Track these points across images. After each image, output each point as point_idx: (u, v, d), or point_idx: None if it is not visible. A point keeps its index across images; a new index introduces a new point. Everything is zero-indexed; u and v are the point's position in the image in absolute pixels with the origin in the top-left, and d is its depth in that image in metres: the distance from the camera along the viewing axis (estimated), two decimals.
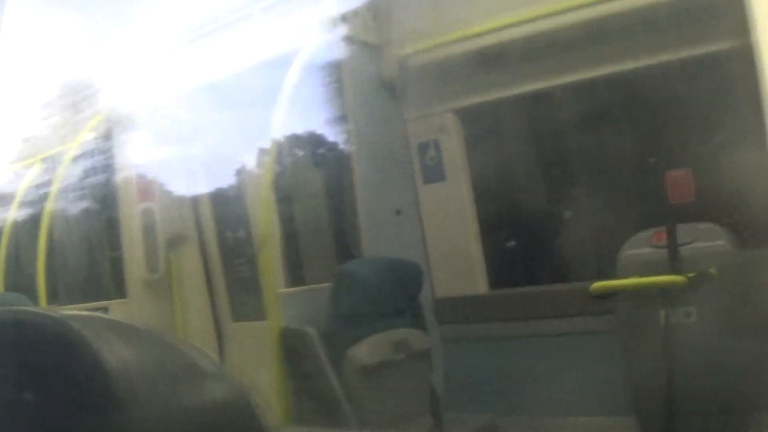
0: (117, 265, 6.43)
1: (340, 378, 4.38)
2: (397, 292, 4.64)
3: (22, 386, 1.07)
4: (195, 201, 6.12)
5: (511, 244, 5.10)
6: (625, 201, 4.77)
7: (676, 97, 4.42)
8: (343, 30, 4.93)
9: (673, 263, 3.94)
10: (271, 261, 4.82)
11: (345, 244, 5.30)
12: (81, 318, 1.10)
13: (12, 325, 1.11)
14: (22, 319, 1.11)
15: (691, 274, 3.84)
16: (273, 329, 4.66)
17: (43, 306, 5.81)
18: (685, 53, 4.27)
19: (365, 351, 4.38)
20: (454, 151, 5.06)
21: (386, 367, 4.45)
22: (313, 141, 5.49)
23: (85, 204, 6.50)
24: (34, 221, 6.39)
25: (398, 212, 5.10)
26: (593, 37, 4.48)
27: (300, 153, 5.48)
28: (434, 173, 5.12)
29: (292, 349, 4.58)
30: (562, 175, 5.14)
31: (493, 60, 4.84)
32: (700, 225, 4.06)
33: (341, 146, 4.99)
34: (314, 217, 5.63)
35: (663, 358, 3.87)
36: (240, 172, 5.82)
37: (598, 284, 4.06)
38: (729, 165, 4.06)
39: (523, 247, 5.07)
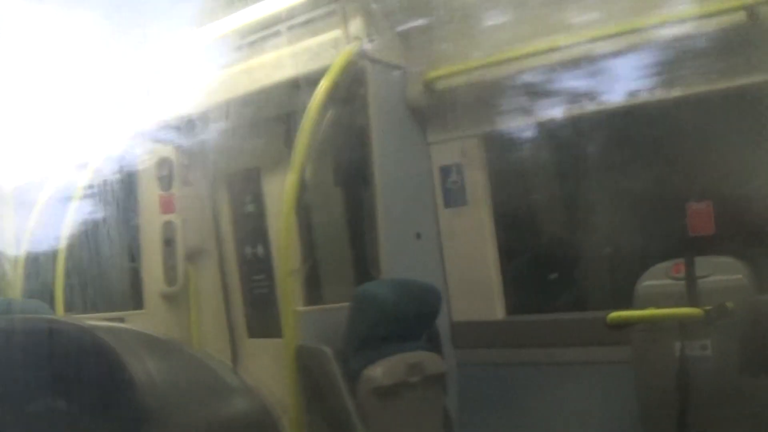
0: (136, 276, 6.46)
1: (354, 398, 4.37)
2: (415, 315, 4.63)
3: (52, 394, 1.09)
4: (216, 215, 6.15)
5: (530, 271, 5.10)
6: (646, 231, 4.76)
7: (700, 128, 4.42)
8: (369, 51, 4.95)
9: (691, 296, 3.93)
10: (290, 278, 4.82)
11: (364, 265, 5.31)
12: (111, 330, 1.11)
13: (46, 333, 1.13)
14: (55, 329, 1.13)
15: (708, 308, 3.82)
16: (289, 347, 4.65)
17: (59, 314, 5.83)
18: (709, 86, 4.27)
19: (380, 372, 4.37)
20: (476, 176, 5.07)
21: (400, 390, 4.44)
22: (336, 161, 5.50)
23: (106, 214, 6.54)
24: (55, 229, 6.42)
25: (418, 235, 5.10)
26: (615, 67, 4.50)
27: (322, 172, 5.50)
28: (456, 198, 5.13)
29: (307, 368, 4.58)
30: (583, 203, 5.14)
31: (517, 87, 4.85)
32: (719, 258, 4.05)
33: (364, 167, 4.99)
34: (334, 237, 5.64)
35: (677, 390, 3.85)
36: (261, 189, 5.85)
37: (615, 314, 4.04)
38: (750, 199, 4.06)
39: (542, 275, 5.07)
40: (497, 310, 5.06)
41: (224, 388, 0.99)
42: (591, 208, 5.12)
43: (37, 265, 6.89)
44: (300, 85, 5.04)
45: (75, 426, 0.95)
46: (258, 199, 5.95)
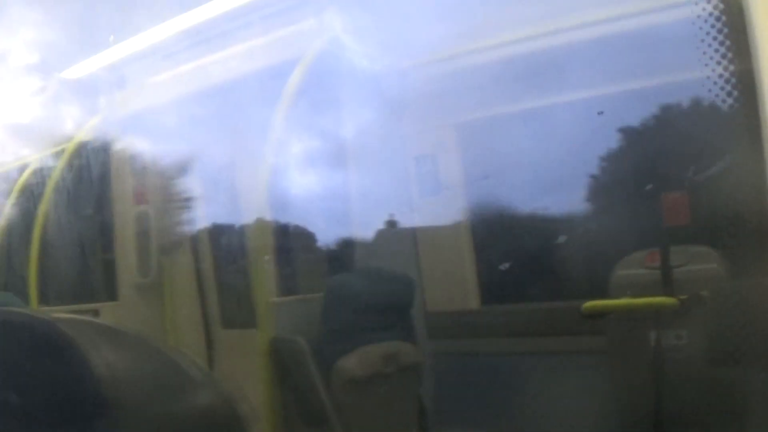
0: (109, 267, 6.42)
1: (329, 389, 4.37)
2: (389, 305, 4.63)
3: (8, 387, 1.06)
4: (190, 206, 6.12)
5: (505, 260, 5.09)
6: (621, 220, 4.76)
7: (676, 118, 4.42)
8: (343, 40, 4.93)
9: (666, 285, 3.93)
10: (264, 269, 4.82)
11: (337, 255, 5.30)
12: (71, 321, 1.09)
13: (13, 327, 1.11)
14: (11, 320, 1.11)
15: (683, 297, 3.82)
16: (263, 338, 4.65)
17: (33, 307, 5.80)
18: (682, 75, 4.27)
19: (354, 363, 4.37)
20: (450, 165, 5.05)
21: (375, 380, 4.44)
22: (309, 150, 5.48)
23: (79, 205, 6.49)
24: (27, 221, 6.38)
25: (392, 224, 5.09)
26: (591, 55, 4.48)
27: (296, 161, 5.48)
28: (430, 187, 5.11)
29: (281, 359, 4.57)
30: (558, 192, 5.14)
31: (492, 76, 4.84)
32: (694, 248, 4.05)
33: (337, 156, 4.98)
34: (307, 226, 5.62)
35: (652, 380, 3.86)
36: (235, 178, 5.82)
37: (590, 303, 4.04)
38: (725, 189, 4.07)
39: (517, 264, 5.06)
40: (472, 300, 5.05)
41: (188, 382, 0.98)
42: (566, 197, 5.12)
43: (10, 256, 6.85)
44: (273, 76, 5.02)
45: (31, 421, 0.94)
46: (231, 187, 5.93)
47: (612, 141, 4.76)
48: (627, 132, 4.71)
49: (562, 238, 5.12)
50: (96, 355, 1.01)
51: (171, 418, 1.07)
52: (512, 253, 5.11)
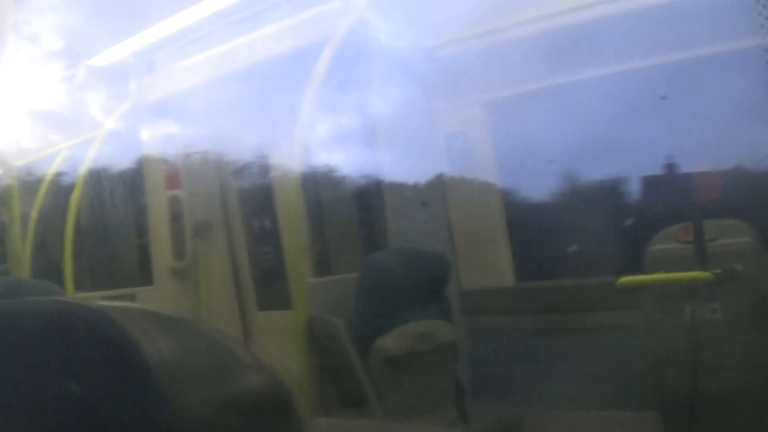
0: (144, 252, 6.47)
1: (366, 369, 4.39)
2: (424, 284, 4.64)
3: (65, 378, 1.08)
4: (222, 189, 6.15)
5: (538, 237, 5.09)
6: (655, 195, 4.74)
7: (705, 92, 4.38)
8: (371, 19, 4.92)
9: (699, 259, 3.91)
10: (298, 249, 4.84)
11: (371, 235, 5.31)
12: (121, 309, 1.10)
13: (57, 315, 1.12)
14: (66, 310, 1.12)
15: (717, 271, 3.80)
16: (300, 319, 4.67)
17: (69, 293, 5.85)
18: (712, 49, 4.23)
19: (391, 342, 4.39)
20: (481, 143, 5.05)
21: (412, 359, 4.46)
22: (340, 130, 5.49)
23: (112, 191, 6.54)
24: (61, 207, 6.43)
25: (425, 204, 5.09)
26: (620, 30, 4.45)
27: (327, 141, 5.49)
28: (461, 165, 5.10)
29: (318, 339, 4.60)
30: (590, 167, 5.11)
31: (520, 52, 4.82)
32: (727, 221, 4.03)
33: (368, 136, 4.98)
34: (341, 207, 5.64)
35: (687, 354, 3.85)
36: (268, 161, 5.84)
37: (625, 279, 4.03)
38: (757, 163, 4.04)
39: (550, 241, 5.05)
40: (506, 277, 5.06)
41: (237, 365, 0.99)
42: (599, 172, 5.10)
43: (45, 244, 6.91)
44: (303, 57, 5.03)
45: (88, 409, 0.95)
46: (263, 170, 5.95)
47: (643, 115, 4.74)
48: (659, 106, 4.68)
49: (595, 214, 5.11)
50: (147, 342, 1.03)
51: (223, 401, 1.08)
52: (546, 229, 5.11)
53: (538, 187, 5.28)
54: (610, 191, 5.04)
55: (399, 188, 4.94)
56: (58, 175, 6.77)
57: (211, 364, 1.13)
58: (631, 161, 4.90)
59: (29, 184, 6.68)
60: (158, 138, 6.15)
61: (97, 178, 6.50)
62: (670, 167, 4.57)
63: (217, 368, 1.13)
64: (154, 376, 1.01)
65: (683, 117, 4.53)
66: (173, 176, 6.04)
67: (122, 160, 6.37)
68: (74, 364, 1.08)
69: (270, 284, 5.96)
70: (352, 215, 5.63)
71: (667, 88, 4.47)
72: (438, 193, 5.15)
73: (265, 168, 5.87)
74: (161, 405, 1.00)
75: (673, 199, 4.54)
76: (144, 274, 6.48)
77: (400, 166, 4.97)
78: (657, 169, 4.75)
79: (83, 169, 6.24)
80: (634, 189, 4.85)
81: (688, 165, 4.41)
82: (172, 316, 1.25)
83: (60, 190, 6.67)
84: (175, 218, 6.04)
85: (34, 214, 6.69)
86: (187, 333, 1.18)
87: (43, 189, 6.82)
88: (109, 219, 6.62)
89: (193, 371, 1.08)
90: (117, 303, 1.17)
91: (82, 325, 1.09)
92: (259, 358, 1.18)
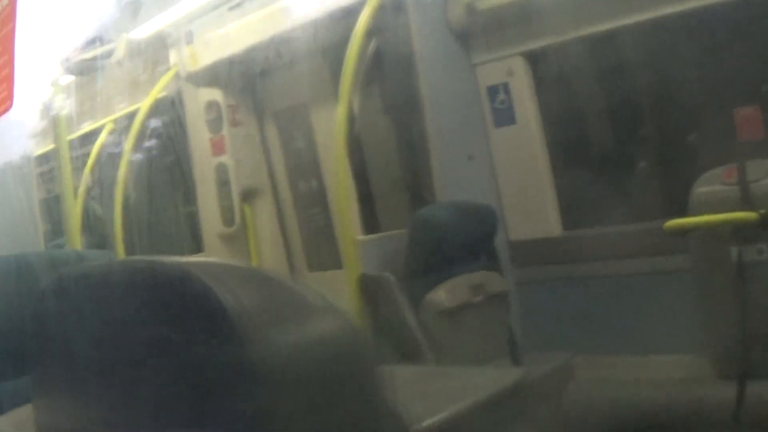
0: (193, 220, 6.56)
1: (420, 322, 4.43)
2: (473, 236, 4.66)
3: (157, 324, 1.13)
4: (267, 154, 6.21)
5: (584, 185, 5.09)
6: (697, 138, 4.72)
7: (746, 34, 4.34)
8: None
9: (744, 200, 3.89)
10: (347, 209, 4.87)
11: (418, 190, 5.34)
12: (197, 264, 1.14)
13: (143, 272, 1.17)
14: (150, 267, 1.17)
15: (763, 211, 3.79)
16: (351, 277, 4.72)
17: None
18: None
19: (443, 295, 4.42)
20: (524, 94, 5.03)
21: (464, 311, 4.49)
22: (383, 88, 5.51)
23: (159, 161, 6.63)
24: (109, 179, 6.53)
25: (470, 157, 5.10)
26: None
27: (371, 102, 5.51)
28: (505, 117, 5.10)
29: (370, 296, 4.64)
30: (632, 114, 5.10)
31: (559, 1, 4.80)
32: None
33: (411, 92, 4.98)
34: (387, 165, 5.66)
35: (736, 296, 3.84)
36: (311, 122, 5.88)
37: (672, 222, 4.02)
38: None
39: (596, 188, 5.05)
40: (554, 227, 5.07)
41: (313, 311, 1.02)
42: (641, 118, 5.08)
43: (95, 215, 7.03)
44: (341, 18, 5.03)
45: (178, 354, 1.00)
46: (308, 134, 5.99)
47: (685, 59, 4.71)
48: (700, 50, 4.65)
49: (640, 160, 5.10)
50: (224, 291, 1.07)
51: (301, 345, 1.12)
52: (591, 177, 5.11)
53: (582, 134, 5.28)
54: (654, 135, 5.03)
55: (444, 143, 4.95)
56: (105, 147, 6.87)
57: (287, 311, 1.16)
58: (672, 105, 4.88)
59: (76, 159, 6.77)
60: (201, 106, 6.20)
61: (142, 149, 6.59)
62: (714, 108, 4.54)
63: (294, 315, 1.16)
64: (234, 324, 1.05)
65: (726, 57, 4.50)
66: (218, 143, 6.10)
67: (166, 131, 6.45)
68: (164, 313, 1.13)
69: (319, 245, 6.03)
70: (398, 172, 5.66)
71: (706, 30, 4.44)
72: (483, 146, 5.16)
73: (309, 130, 5.92)
74: (240, 348, 1.04)
75: (716, 140, 4.51)
76: (194, 241, 6.57)
77: (444, 120, 4.97)
78: (701, 111, 4.73)
79: (128, 141, 6.32)
80: (678, 132, 4.83)
81: (732, 105, 4.39)
82: (247, 267, 1.29)
83: (107, 162, 6.76)
84: (223, 185, 6.11)
85: (81, 188, 6.80)
86: (262, 282, 1.22)
87: (90, 162, 6.92)
88: (157, 189, 6.71)
89: (271, 318, 1.12)
90: (193, 258, 1.21)
91: (167, 278, 1.14)
92: (334, 303, 1.22)
